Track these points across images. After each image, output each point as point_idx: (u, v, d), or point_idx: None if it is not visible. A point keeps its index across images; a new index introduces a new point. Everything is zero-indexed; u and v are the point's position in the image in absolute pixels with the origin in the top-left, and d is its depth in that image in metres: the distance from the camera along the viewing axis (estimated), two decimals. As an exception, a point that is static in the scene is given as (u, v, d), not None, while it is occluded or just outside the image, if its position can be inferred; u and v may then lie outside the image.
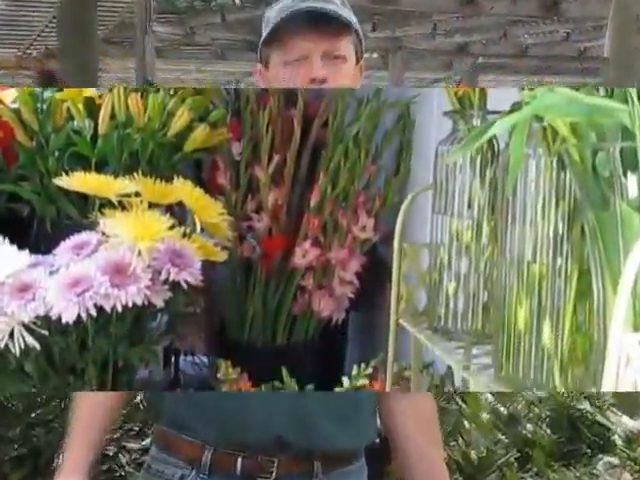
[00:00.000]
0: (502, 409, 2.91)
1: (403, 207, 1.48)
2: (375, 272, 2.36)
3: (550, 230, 1.05)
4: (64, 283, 1.54)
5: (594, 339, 0.97)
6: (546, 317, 1.04)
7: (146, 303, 1.62)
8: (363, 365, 1.78)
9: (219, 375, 1.89)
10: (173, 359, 2.14)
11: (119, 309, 1.56)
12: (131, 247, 1.58)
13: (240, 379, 1.87)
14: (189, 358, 2.21)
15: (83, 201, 1.89)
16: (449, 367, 1.97)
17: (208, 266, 1.82)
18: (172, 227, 1.63)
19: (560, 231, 1.04)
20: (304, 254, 2.10)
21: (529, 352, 1.05)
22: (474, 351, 1.27)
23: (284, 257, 2.13)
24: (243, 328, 2.16)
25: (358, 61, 1.68)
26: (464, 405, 2.80)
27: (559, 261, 1.03)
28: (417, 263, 1.49)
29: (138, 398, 2.61)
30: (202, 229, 1.83)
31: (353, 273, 2.20)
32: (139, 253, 1.58)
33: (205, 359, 2.24)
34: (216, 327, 2.20)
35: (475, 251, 1.30)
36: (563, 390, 1.02)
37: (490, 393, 2.84)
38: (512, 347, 1.07)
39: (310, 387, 1.87)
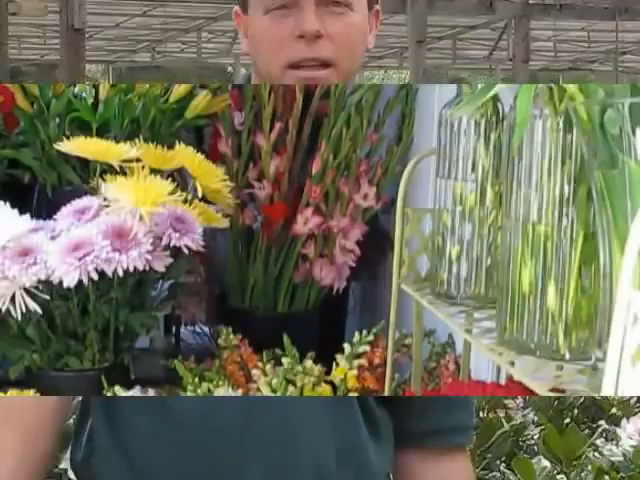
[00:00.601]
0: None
1: (405, 172, 1.46)
2: (376, 241, 2.35)
3: (556, 192, 1.03)
4: (65, 247, 1.53)
5: (599, 301, 0.95)
6: (551, 279, 1.02)
7: (147, 268, 1.61)
8: (364, 332, 1.76)
9: (220, 341, 1.87)
10: (174, 327, 2.13)
11: (120, 274, 1.55)
12: (132, 211, 1.57)
13: (241, 345, 1.86)
14: (190, 327, 2.20)
15: (84, 167, 1.87)
16: (450, 335, 1.96)
17: (209, 234, 1.81)
18: (173, 192, 1.61)
19: (566, 193, 1.03)
20: (305, 222, 2.09)
21: (533, 314, 1.04)
22: (476, 315, 1.26)
23: (285, 225, 2.11)
24: (244, 296, 2.14)
25: (372, 5, 1.33)
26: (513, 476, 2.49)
27: (565, 222, 1.02)
28: (420, 229, 1.48)
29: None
30: (203, 196, 1.81)
31: (354, 242, 2.18)
32: (140, 217, 1.56)
33: (206, 329, 2.23)
34: (217, 295, 2.19)
35: (479, 215, 1.28)
36: (567, 353, 1.01)
37: (547, 459, 2.59)
38: (516, 309, 1.05)
39: (311, 354, 1.86)
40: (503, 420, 2.86)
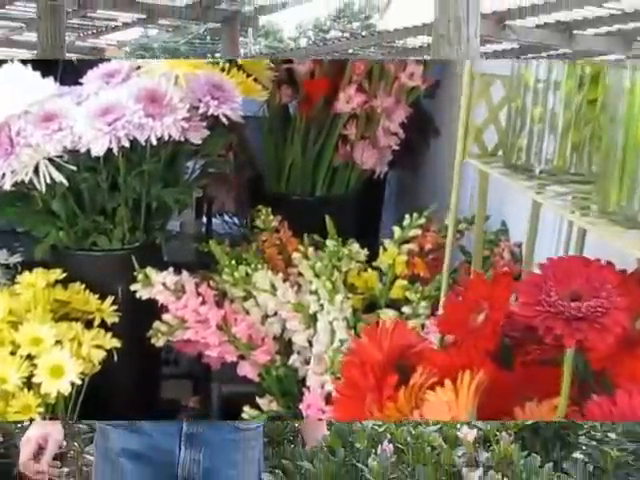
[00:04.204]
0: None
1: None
2: (419, 125, 2.15)
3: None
4: (93, 111, 1.33)
5: None
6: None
7: (182, 139, 1.42)
8: (415, 215, 1.58)
9: (258, 222, 1.69)
10: (207, 209, 1.95)
11: (153, 142, 1.35)
12: (167, 74, 1.37)
13: (280, 228, 1.68)
14: (224, 211, 2.02)
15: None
16: (503, 222, 1.78)
17: (244, 109, 1.61)
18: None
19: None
20: (348, 100, 1.88)
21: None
22: (560, 189, 1.07)
23: (326, 103, 1.90)
24: (280, 178, 1.95)
25: None
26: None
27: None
28: (488, 96, 1.28)
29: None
30: (241, 64, 1.61)
31: (398, 124, 1.98)
32: (176, 81, 1.36)
33: (237, 219, 2.05)
34: (252, 177, 1.99)
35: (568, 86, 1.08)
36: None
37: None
38: (625, 175, 0.86)
39: (353, 240, 1.68)
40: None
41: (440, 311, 1.40)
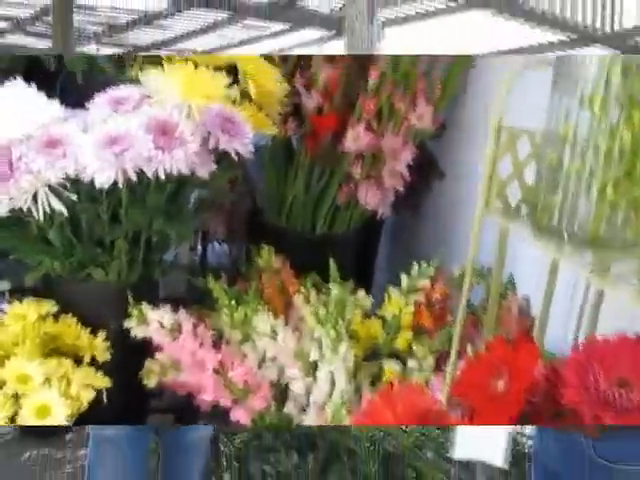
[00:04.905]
0: None
1: (505, 82, 1.19)
2: (424, 167, 2.09)
3: None
4: (100, 140, 1.26)
5: None
6: None
7: (189, 173, 1.35)
8: (424, 264, 1.51)
9: (259, 261, 1.61)
10: (206, 242, 1.87)
11: (161, 176, 1.28)
12: (180, 105, 1.29)
13: (282, 267, 1.61)
14: (223, 243, 1.94)
15: (119, 54, 1.58)
16: (511, 275, 1.71)
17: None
18: (228, 87, 1.34)
19: None
20: (356, 138, 1.81)
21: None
22: (594, 256, 1.01)
23: (333, 139, 1.84)
24: (281, 213, 1.88)
25: None
26: None
27: None
28: (514, 150, 1.22)
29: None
30: (252, 98, 1.54)
31: (405, 165, 1.92)
32: (189, 113, 1.29)
33: (233, 251, 1.98)
34: (253, 210, 1.92)
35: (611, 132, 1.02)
36: None
37: None
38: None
39: (349, 282, 1.61)
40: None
41: (448, 367, 1.33)
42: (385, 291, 1.56)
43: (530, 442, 1.64)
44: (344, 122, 1.82)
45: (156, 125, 1.27)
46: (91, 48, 6.59)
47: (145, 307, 1.42)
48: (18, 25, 6.18)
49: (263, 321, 1.45)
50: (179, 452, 1.95)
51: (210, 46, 6.71)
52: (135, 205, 1.36)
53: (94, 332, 1.42)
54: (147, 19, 6.10)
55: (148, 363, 1.44)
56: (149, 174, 1.26)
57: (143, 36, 6.70)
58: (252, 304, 1.49)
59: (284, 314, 1.51)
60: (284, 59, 1.81)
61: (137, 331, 1.41)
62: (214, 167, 1.40)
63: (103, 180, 1.25)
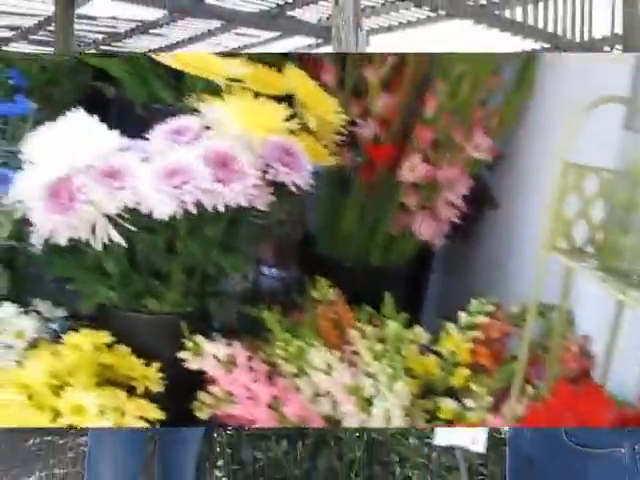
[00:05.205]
0: None
1: (574, 121, 1.15)
2: (479, 198, 2.05)
3: None
4: (160, 172, 1.25)
5: None
6: None
7: (247, 205, 1.33)
8: (483, 300, 1.47)
9: (314, 293, 1.59)
10: (261, 272, 1.85)
11: (220, 209, 1.26)
12: (240, 137, 1.28)
13: (337, 300, 1.58)
14: (277, 274, 1.92)
15: (178, 84, 1.58)
16: (569, 312, 1.66)
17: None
18: (289, 119, 1.32)
19: None
20: (412, 169, 1.79)
21: None
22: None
23: (388, 169, 1.81)
24: (334, 243, 1.85)
25: None
26: None
27: None
28: (581, 189, 1.18)
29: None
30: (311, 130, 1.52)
31: (460, 196, 1.88)
32: (249, 145, 1.27)
33: (284, 276, 1.95)
34: (306, 240, 1.90)
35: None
36: None
37: None
38: None
39: (405, 316, 1.58)
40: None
41: (509, 409, 1.30)
42: (441, 326, 1.53)
43: (506, 428, 1.69)
44: (400, 152, 1.80)
45: (216, 157, 1.25)
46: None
47: (200, 339, 1.40)
48: (21, 34, 6.33)
49: (318, 355, 1.42)
50: (174, 440, 2.11)
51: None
52: (192, 237, 1.35)
53: (148, 363, 1.41)
54: (144, 28, 6.28)
55: (201, 396, 1.42)
56: (208, 207, 1.25)
57: (140, 44, 6.85)
58: (307, 337, 1.46)
59: (339, 348, 1.49)
60: (341, 85, 1.79)
61: (191, 363, 1.40)
62: (272, 199, 1.39)
63: (162, 213, 1.24)
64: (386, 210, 1.84)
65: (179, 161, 1.25)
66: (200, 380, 1.43)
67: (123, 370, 1.38)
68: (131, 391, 1.39)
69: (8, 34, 6.50)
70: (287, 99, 1.50)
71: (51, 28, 5.70)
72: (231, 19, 5.85)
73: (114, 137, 1.32)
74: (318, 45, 6.55)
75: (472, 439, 2.02)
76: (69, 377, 1.31)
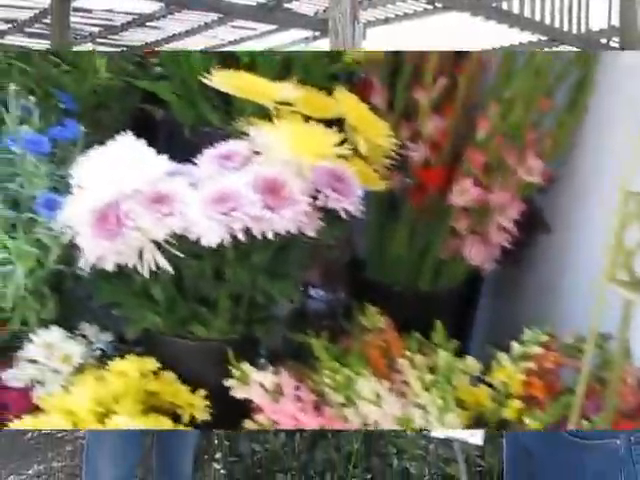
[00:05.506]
0: None
1: (636, 147, 1.11)
2: (531, 223, 2.00)
3: None
4: (209, 198, 1.22)
5: None
6: None
7: (297, 232, 1.30)
8: (536, 330, 1.43)
9: (363, 320, 1.56)
10: (308, 298, 1.82)
11: (270, 236, 1.23)
12: (290, 163, 1.25)
13: (386, 327, 1.54)
14: (317, 293, 1.88)
15: (227, 107, 1.56)
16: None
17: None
18: (340, 144, 1.29)
19: None
20: (463, 192, 1.74)
21: None
22: None
23: (439, 193, 1.77)
24: (383, 267, 1.82)
25: None
26: None
27: None
28: (642, 219, 1.13)
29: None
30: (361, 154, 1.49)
31: (511, 220, 1.83)
32: (300, 171, 1.24)
33: (331, 302, 1.92)
34: (354, 265, 1.87)
35: None
36: None
37: None
38: None
39: (456, 344, 1.53)
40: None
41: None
42: (492, 355, 1.48)
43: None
44: (451, 175, 1.76)
45: (265, 184, 1.23)
46: (87, 47, 6.84)
47: (247, 367, 1.38)
48: (17, 26, 6.40)
49: (367, 385, 1.39)
50: (172, 433, 2.08)
51: (200, 46, 6.89)
52: (240, 263, 1.32)
53: (194, 390, 1.39)
54: (140, 20, 6.32)
55: (247, 424, 1.39)
56: (257, 234, 1.22)
57: (136, 37, 6.90)
58: (355, 366, 1.42)
59: (388, 378, 1.45)
60: (391, 107, 1.76)
61: (238, 391, 1.37)
62: (321, 224, 1.36)
63: (210, 240, 1.22)
64: (436, 234, 1.80)
65: (228, 187, 1.22)
66: (246, 408, 1.40)
67: (169, 397, 1.36)
68: (176, 419, 1.37)
69: (4, 27, 6.58)
70: (337, 122, 1.48)
71: (47, 21, 5.82)
72: (228, 12, 5.88)
73: (162, 162, 1.30)
74: (315, 38, 6.59)
75: (470, 431, 2.01)
76: (114, 404, 1.29)
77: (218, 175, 1.27)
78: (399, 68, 1.76)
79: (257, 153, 1.30)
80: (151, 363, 1.35)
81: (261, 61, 1.57)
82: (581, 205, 1.90)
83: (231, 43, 7.05)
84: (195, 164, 1.34)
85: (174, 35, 6.84)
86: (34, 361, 1.40)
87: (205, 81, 1.38)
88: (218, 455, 2.67)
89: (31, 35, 6.74)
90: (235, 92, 1.38)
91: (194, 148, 1.41)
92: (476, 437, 1.95)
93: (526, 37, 6.25)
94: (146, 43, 7.06)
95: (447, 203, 1.76)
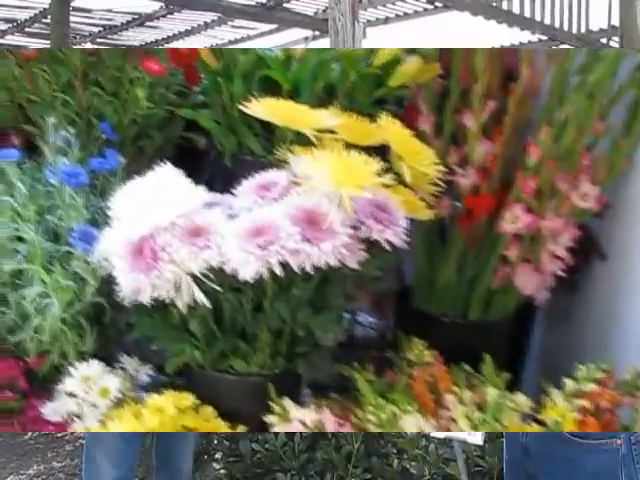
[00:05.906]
0: None
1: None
2: (585, 249, 1.91)
3: None
4: (245, 231, 1.18)
5: None
6: None
7: (338, 264, 1.25)
8: (592, 366, 1.35)
9: (410, 355, 1.50)
10: (352, 330, 1.77)
11: (309, 269, 1.18)
12: (330, 194, 1.20)
13: (434, 361, 1.48)
14: (364, 319, 1.83)
15: (269, 134, 1.52)
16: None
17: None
18: (381, 173, 1.24)
19: None
20: (514, 220, 1.68)
21: None
22: None
23: (488, 220, 1.71)
24: (431, 297, 1.75)
25: None
26: None
27: None
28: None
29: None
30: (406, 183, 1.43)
31: (565, 247, 1.76)
32: (340, 202, 1.20)
33: (377, 332, 1.86)
34: (398, 292, 1.81)
35: None
36: None
37: None
38: None
39: (506, 377, 1.46)
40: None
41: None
42: (544, 391, 1.41)
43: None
44: (500, 201, 1.69)
45: (304, 215, 1.18)
46: (86, 47, 6.86)
47: (287, 403, 1.33)
48: (17, 26, 6.44)
49: (412, 422, 1.33)
50: (172, 432, 2.01)
51: (200, 46, 6.86)
52: (279, 297, 1.28)
53: (233, 426, 1.34)
54: (140, 20, 6.32)
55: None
56: (295, 267, 1.18)
57: (136, 36, 6.91)
58: (401, 403, 1.36)
59: (435, 415, 1.38)
60: (439, 133, 1.70)
61: (278, 428, 1.32)
62: (365, 256, 1.30)
63: (246, 274, 1.17)
64: (486, 263, 1.73)
65: (265, 219, 1.18)
66: (287, 445, 1.35)
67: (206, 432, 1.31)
68: (216, 455, 1.32)
69: (4, 27, 6.65)
70: (382, 149, 1.43)
71: (47, 21, 5.85)
72: (227, 11, 5.86)
73: (200, 194, 1.27)
74: (315, 38, 6.56)
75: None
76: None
77: (256, 206, 1.23)
78: (446, 92, 1.71)
79: (296, 183, 1.26)
80: (188, 399, 1.31)
81: (303, 87, 1.53)
82: (638, 231, 1.82)
83: (231, 43, 7.06)
84: (234, 195, 1.30)
85: (174, 35, 6.86)
86: (73, 395, 1.37)
87: (243, 108, 1.34)
88: (218, 455, 2.67)
89: (31, 35, 6.82)
90: (275, 120, 1.34)
91: (234, 177, 1.37)
92: (476, 437, 1.90)
93: (526, 37, 6.23)
94: (146, 43, 7.10)
95: (497, 230, 1.69)
